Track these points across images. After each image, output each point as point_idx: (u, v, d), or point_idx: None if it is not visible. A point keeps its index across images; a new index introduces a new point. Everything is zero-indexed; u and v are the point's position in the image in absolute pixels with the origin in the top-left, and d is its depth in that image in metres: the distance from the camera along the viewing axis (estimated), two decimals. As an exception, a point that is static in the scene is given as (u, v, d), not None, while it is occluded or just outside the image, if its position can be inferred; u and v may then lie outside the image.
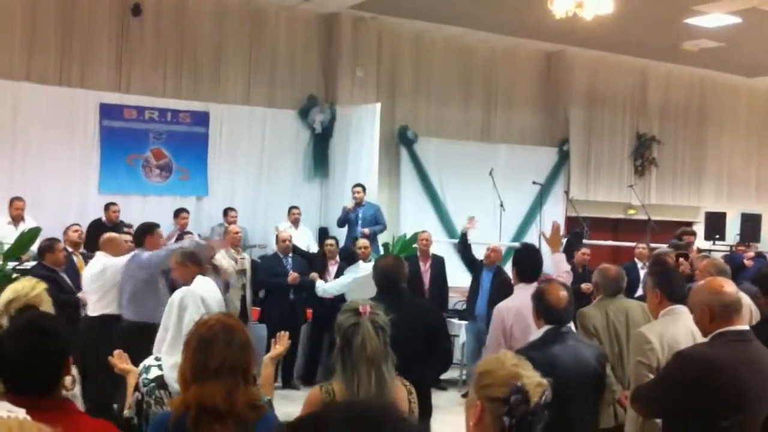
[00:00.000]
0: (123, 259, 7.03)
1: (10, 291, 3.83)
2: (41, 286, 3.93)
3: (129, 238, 8.21)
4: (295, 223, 11.15)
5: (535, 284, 4.69)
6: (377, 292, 4.78)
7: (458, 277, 9.97)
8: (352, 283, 8.70)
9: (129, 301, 6.82)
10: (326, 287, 9.14)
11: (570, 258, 6.42)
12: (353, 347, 3.04)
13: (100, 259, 7.23)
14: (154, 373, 3.42)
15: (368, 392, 2.98)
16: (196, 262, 5.55)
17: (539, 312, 4.04)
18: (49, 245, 7.55)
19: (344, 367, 3.06)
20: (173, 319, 3.68)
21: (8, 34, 10.81)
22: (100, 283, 7.04)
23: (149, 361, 3.53)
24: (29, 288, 3.85)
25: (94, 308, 7.10)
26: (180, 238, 9.10)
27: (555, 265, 5.46)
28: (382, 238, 11.65)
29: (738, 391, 3.44)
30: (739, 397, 3.45)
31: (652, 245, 11.09)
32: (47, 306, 3.84)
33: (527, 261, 5.16)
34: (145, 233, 7.19)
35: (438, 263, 9.91)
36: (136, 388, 3.42)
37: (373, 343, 3.03)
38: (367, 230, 10.81)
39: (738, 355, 3.49)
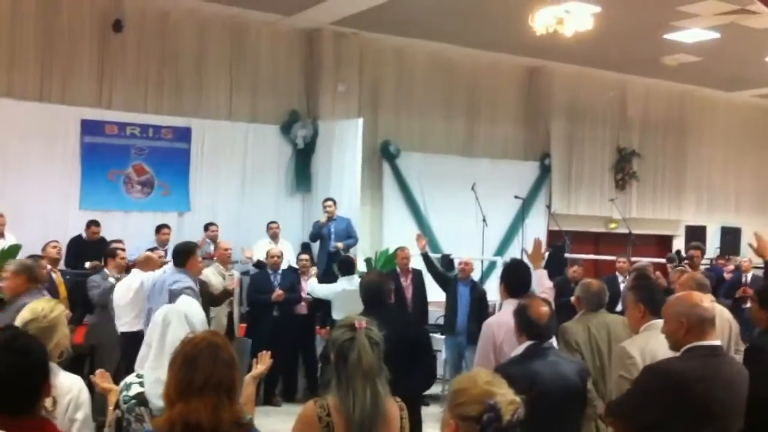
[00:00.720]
0: (157, 273, 7.12)
1: (28, 311, 3.74)
2: (60, 308, 3.85)
3: (123, 254, 8.53)
4: (274, 237, 11.11)
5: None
6: (364, 308, 4.78)
7: (437, 291, 9.97)
8: (342, 292, 8.76)
9: None
10: (316, 288, 9.28)
11: (552, 274, 6.41)
12: (349, 362, 3.02)
13: (138, 275, 7.43)
14: (135, 390, 3.40)
15: (363, 407, 2.98)
16: (31, 277, 5.51)
17: (521, 327, 4.05)
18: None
19: (339, 381, 3.04)
20: (156, 335, 3.66)
21: (-12, 50, 10.76)
22: (139, 298, 7.22)
23: (130, 378, 3.50)
24: (48, 310, 3.75)
25: (131, 324, 7.27)
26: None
27: (538, 281, 5.46)
28: (365, 253, 11.63)
29: (706, 405, 3.47)
30: (707, 412, 3.47)
31: (633, 259, 11.16)
32: (64, 328, 3.78)
33: (516, 277, 5.11)
34: (189, 255, 6.99)
35: (417, 277, 9.92)
36: (116, 406, 3.39)
37: (368, 358, 3.02)
38: (340, 244, 10.82)
39: (708, 370, 3.51)
